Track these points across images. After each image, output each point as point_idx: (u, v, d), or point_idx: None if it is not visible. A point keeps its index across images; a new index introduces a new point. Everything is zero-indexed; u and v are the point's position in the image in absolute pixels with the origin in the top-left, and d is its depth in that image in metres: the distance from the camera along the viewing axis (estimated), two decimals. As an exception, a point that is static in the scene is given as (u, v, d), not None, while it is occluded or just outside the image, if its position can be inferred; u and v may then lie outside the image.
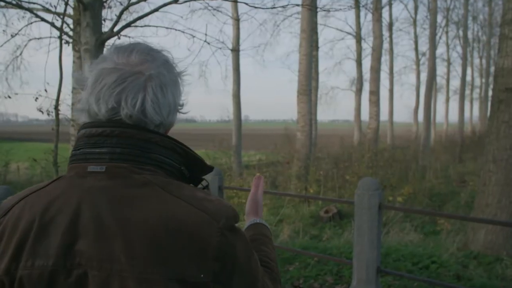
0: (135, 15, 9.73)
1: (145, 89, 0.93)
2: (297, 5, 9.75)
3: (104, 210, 0.86)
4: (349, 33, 23.27)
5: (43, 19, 6.67)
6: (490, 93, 34.19)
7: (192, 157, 1.02)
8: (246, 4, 5.71)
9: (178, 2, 5.77)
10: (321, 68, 25.38)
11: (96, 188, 0.89)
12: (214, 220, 0.88)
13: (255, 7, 5.22)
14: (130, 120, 0.93)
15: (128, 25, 6.10)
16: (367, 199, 4.06)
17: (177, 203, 0.88)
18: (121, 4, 8.15)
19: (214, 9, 14.75)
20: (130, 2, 6.05)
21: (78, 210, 0.87)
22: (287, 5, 5.59)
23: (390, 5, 22.77)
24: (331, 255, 5.75)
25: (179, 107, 1.05)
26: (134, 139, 0.93)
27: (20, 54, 11.59)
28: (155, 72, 0.95)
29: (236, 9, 15.34)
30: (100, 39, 5.55)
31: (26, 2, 6.72)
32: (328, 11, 17.33)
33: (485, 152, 6.36)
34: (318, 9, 11.82)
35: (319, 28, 20.17)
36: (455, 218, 6.26)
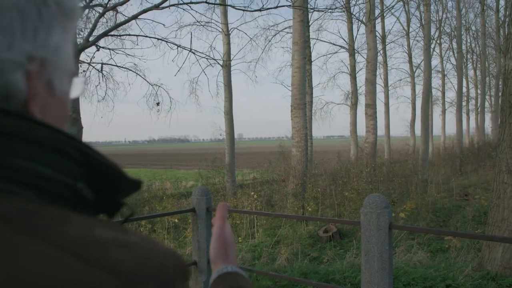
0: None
1: None
2: (288, 6, 9.30)
3: None
4: (342, 47, 22.99)
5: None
6: (486, 104, 34.20)
7: (99, 165, 0.58)
8: (233, 7, 5.26)
9: (159, 8, 5.34)
10: (314, 82, 25.01)
11: None
12: (134, 286, 0.44)
13: (243, 10, 4.75)
14: None
15: (104, 34, 5.66)
16: (375, 218, 3.52)
17: (50, 257, 0.43)
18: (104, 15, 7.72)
19: (203, 26, 14.42)
20: (106, 8, 5.60)
21: None
22: (277, 6, 5.15)
23: (383, 17, 22.56)
24: (334, 281, 5.18)
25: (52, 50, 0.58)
26: None
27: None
28: None
29: (226, 24, 14.96)
30: (75, 50, 5.07)
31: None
32: (320, 11, 16.99)
33: (497, 162, 5.85)
34: (310, 10, 11.40)
35: (312, 42, 19.89)
36: (477, 238, 5.70)
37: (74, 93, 0.68)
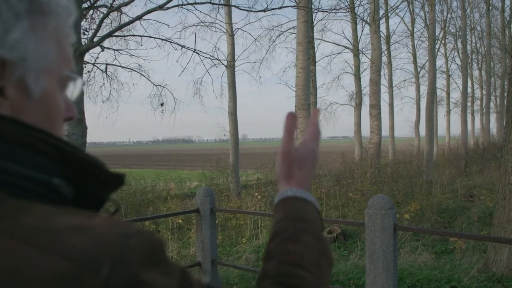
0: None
1: None
2: (293, 6, 9.28)
3: None
4: (346, 47, 22.95)
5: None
6: (491, 104, 34.06)
7: (75, 160, 0.57)
8: (238, 7, 5.25)
9: (163, 8, 5.34)
10: (319, 83, 25.04)
11: None
12: (87, 269, 0.45)
13: (248, 10, 4.75)
14: None
15: (109, 35, 5.66)
16: (379, 219, 3.50)
17: (1, 246, 0.45)
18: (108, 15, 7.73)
19: (207, 26, 14.44)
20: (111, 9, 5.60)
21: None
22: (281, 7, 5.15)
23: (387, 17, 22.50)
24: (339, 282, 5.16)
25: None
26: None
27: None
28: None
29: (230, 24, 14.96)
30: (79, 50, 5.10)
31: None
32: (325, 11, 17.01)
33: (502, 163, 5.81)
34: (315, 10, 11.37)
35: (316, 42, 19.87)
36: (483, 240, 5.67)
37: (71, 93, 0.67)
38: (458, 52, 29.07)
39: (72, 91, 0.67)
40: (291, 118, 0.86)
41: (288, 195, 0.79)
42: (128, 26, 6.38)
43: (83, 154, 0.57)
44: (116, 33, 5.78)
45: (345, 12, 19.74)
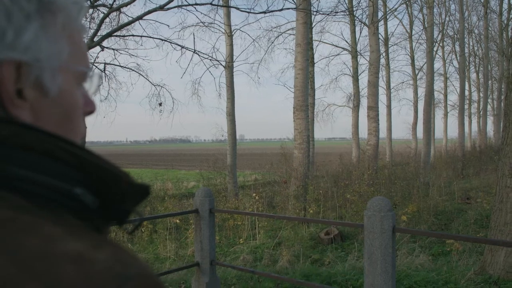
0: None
1: None
2: (293, 8, 9.29)
3: None
4: (345, 49, 22.98)
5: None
6: (488, 107, 34.17)
7: (98, 170, 0.55)
8: (238, 9, 5.26)
9: (164, 8, 5.34)
10: (317, 84, 25.11)
11: None
12: None
13: (248, 12, 4.76)
14: None
15: (108, 35, 5.66)
16: (378, 221, 3.51)
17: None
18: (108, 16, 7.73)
19: (206, 26, 14.44)
20: (111, 9, 5.60)
21: None
22: (282, 9, 5.16)
23: (386, 20, 22.55)
24: (336, 283, 5.18)
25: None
26: None
27: None
28: None
29: (229, 25, 14.97)
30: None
31: None
32: (324, 14, 16.97)
33: (499, 166, 5.84)
34: (314, 13, 11.38)
35: (314, 44, 19.90)
36: (480, 242, 5.70)
37: (88, 87, 0.67)
38: (456, 55, 29.18)
39: (89, 85, 0.66)
40: None
41: None
42: (127, 26, 6.38)
43: (105, 163, 0.56)
44: (116, 33, 5.79)
45: (344, 14, 19.78)
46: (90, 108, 0.67)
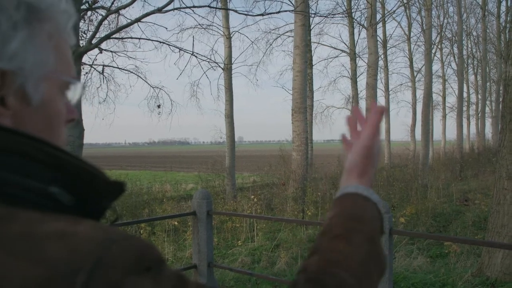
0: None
1: None
2: (291, 11, 9.31)
3: None
4: (343, 51, 23.01)
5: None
6: (486, 109, 34.23)
7: (70, 167, 0.56)
8: (236, 11, 5.27)
9: (162, 11, 5.36)
10: (315, 86, 25.12)
11: None
12: (64, 276, 0.44)
13: (246, 14, 4.78)
14: None
15: (107, 37, 5.67)
16: (375, 223, 3.52)
17: None
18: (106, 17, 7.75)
19: (204, 28, 14.46)
20: (109, 11, 5.61)
21: None
22: (279, 11, 5.18)
23: (384, 22, 22.59)
24: (334, 285, 5.17)
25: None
26: None
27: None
28: None
29: (227, 27, 14.99)
30: (77, 52, 5.11)
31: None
32: (323, 16, 17.00)
33: (497, 168, 5.86)
34: (312, 15, 11.40)
35: (313, 46, 19.92)
36: (478, 244, 5.70)
37: (71, 96, 0.67)
38: (454, 57, 29.27)
39: (72, 94, 0.67)
40: (378, 111, 0.79)
41: (350, 191, 0.75)
42: (126, 28, 6.40)
43: (81, 162, 0.56)
44: (114, 35, 5.81)
45: (342, 17, 19.82)
46: (71, 116, 0.67)
